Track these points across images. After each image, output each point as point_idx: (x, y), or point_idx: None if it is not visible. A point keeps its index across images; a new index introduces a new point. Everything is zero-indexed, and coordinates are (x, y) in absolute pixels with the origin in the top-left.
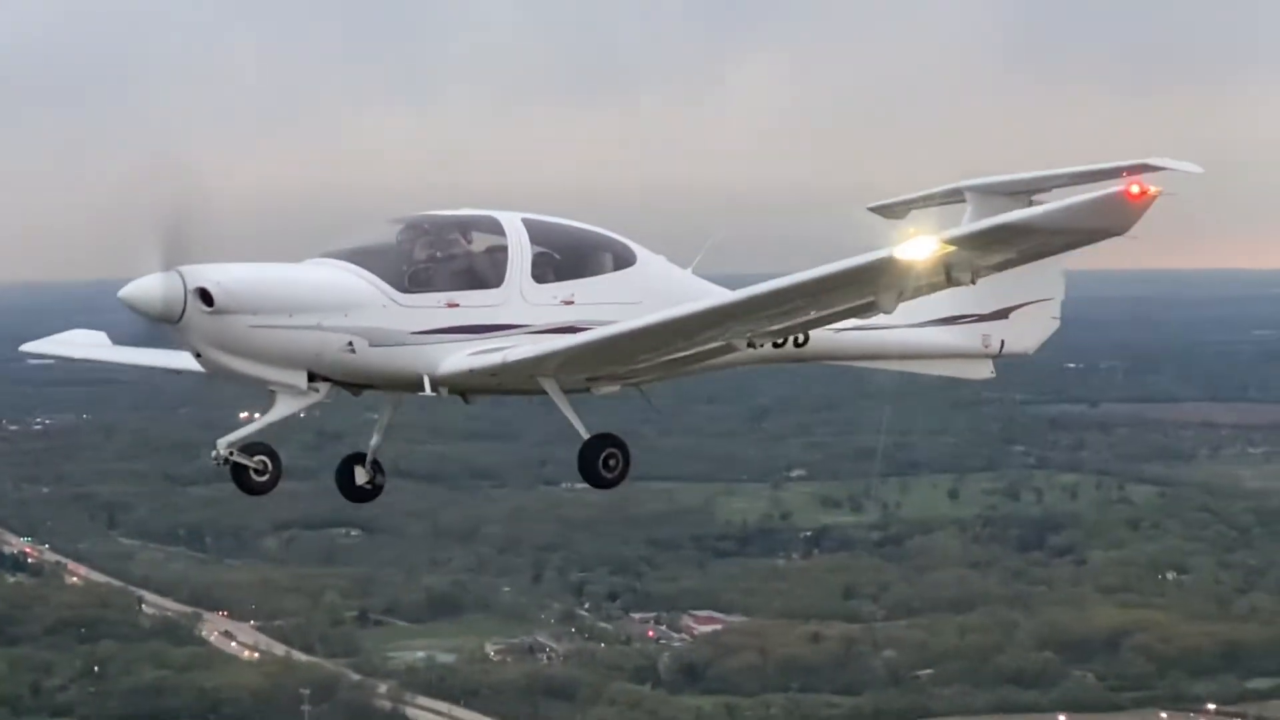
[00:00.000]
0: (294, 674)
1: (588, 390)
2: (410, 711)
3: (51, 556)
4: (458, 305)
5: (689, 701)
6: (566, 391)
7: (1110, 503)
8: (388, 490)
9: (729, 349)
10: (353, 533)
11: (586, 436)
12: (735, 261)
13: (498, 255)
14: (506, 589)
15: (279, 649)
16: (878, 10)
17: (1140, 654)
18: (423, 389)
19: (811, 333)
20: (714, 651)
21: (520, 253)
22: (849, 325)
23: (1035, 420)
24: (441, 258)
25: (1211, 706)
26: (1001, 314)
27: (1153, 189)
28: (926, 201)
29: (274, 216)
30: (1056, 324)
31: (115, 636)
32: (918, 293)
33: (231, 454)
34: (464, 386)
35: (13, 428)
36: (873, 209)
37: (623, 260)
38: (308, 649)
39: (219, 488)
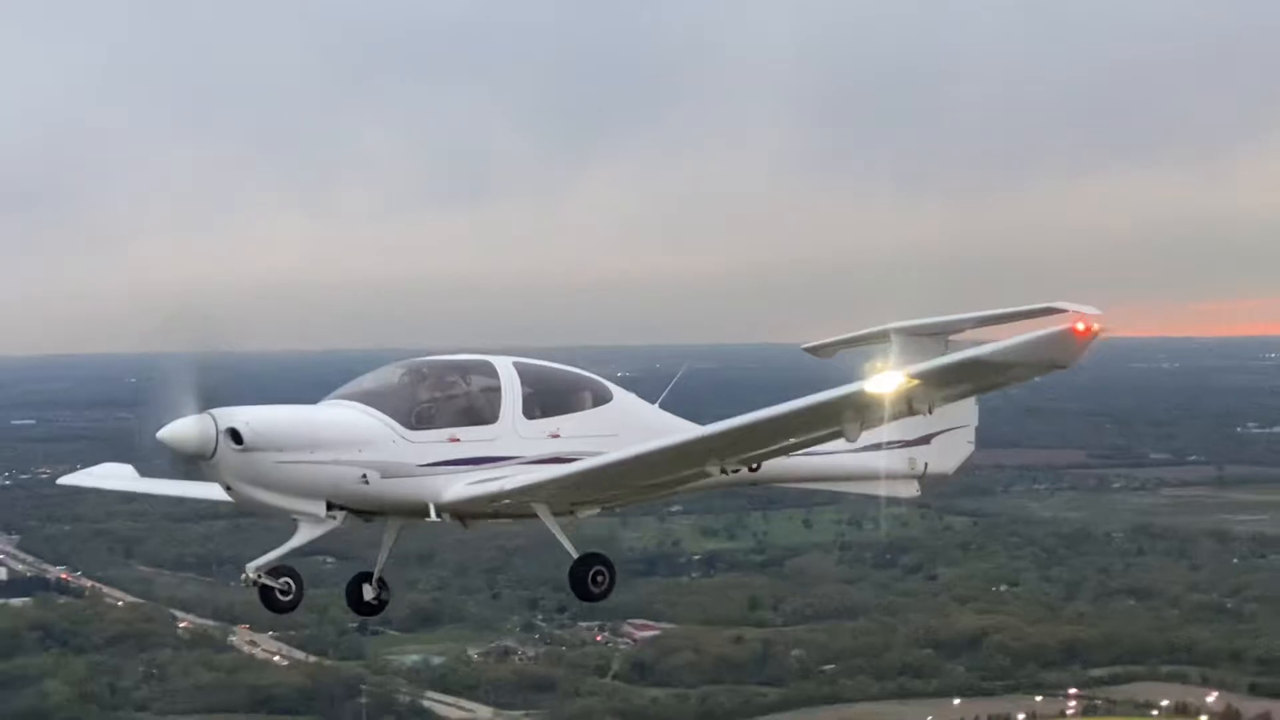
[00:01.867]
0: (325, 674)
1: (572, 514)
2: (425, 704)
3: (86, 582)
4: (459, 440)
5: (647, 692)
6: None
7: (937, 530)
8: (355, 526)
9: (704, 475)
10: (329, 560)
11: (576, 556)
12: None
13: (492, 395)
14: (472, 604)
15: (299, 654)
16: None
17: (999, 651)
18: (428, 515)
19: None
20: (657, 652)
21: (512, 392)
22: (799, 452)
23: None
24: (443, 398)
25: (1073, 690)
26: (925, 439)
27: (1096, 325)
28: (855, 342)
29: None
30: (972, 448)
31: (165, 645)
32: (879, 422)
33: (260, 577)
34: (465, 512)
35: (23, 477)
36: (808, 349)
37: (600, 398)
38: (322, 654)
39: (211, 524)
